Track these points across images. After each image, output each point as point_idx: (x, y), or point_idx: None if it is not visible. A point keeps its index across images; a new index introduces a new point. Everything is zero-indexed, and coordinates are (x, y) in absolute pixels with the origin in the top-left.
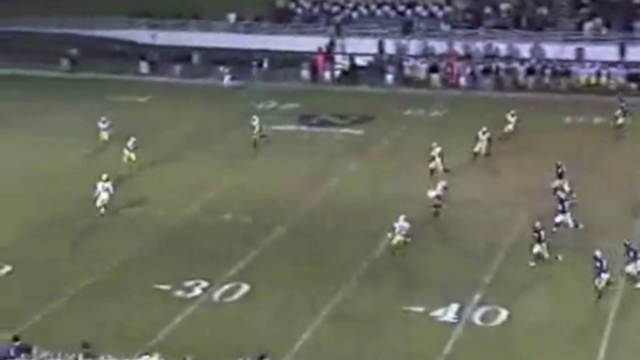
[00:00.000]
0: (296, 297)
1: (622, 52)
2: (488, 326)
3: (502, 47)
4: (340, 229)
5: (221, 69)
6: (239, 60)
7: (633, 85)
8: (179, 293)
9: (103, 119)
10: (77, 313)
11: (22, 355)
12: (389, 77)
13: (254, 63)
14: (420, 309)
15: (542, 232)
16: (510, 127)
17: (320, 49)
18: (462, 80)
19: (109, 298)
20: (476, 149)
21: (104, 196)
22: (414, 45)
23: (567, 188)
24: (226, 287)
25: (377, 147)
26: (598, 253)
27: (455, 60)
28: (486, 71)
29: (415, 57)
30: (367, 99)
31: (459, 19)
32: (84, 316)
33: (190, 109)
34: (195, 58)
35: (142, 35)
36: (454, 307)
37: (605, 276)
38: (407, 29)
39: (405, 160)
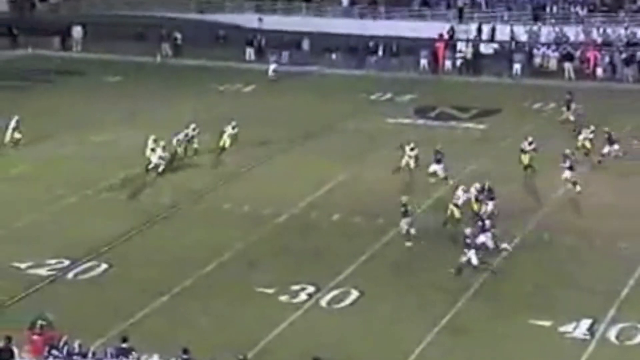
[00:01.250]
0: (410, 305)
1: None
2: (625, 345)
3: None
4: (460, 233)
5: (270, 57)
6: (352, 47)
7: None
8: (284, 298)
9: (16, 117)
10: (174, 313)
11: (121, 358)
12: (517, 67)
13: (369, 50)
14: (547, 323)
15: (409, 208)
16: None
17: (441, 35)
18: (599, 71)
19: (208, 299)
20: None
21: (152, 158)
22: (545, 32)
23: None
24: (334, 292)
25: (501, 144)
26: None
27: (592, 49)
28: (628, 61)
29: (547, 45)
30: (491, 90)
31: (596, 2)
32: (179, 317)
33: (299, 100)
34: (305, 44)
35: (249, 20)
36: (586, 322)
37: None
38: (539, 14)
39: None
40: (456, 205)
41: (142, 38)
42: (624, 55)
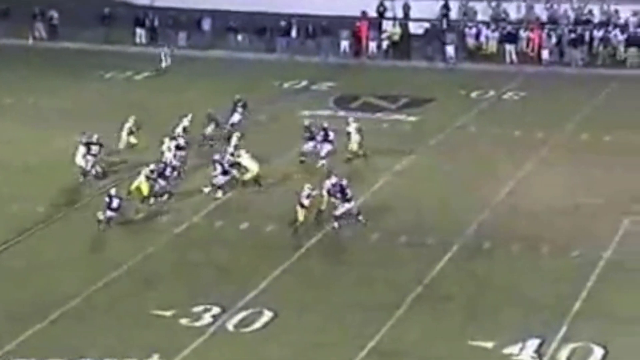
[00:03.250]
0: (332, 326)
1: None
2: None
3: (596, 11)
4: (385, 244)
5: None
6: (261, 28)
7: None
8: (184, 321)
9: (133, 118)
10: (53, 342)
11: None
12: (450, 50)
13: (280, 31)
14: (489, 345)
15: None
16: None
17: (364, 13)
18: (545, 54)
19: (95, 324)
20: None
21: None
22: (481, 8)
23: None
24: (243, 314)
25: (434, 138)
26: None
27: (536, 28)
28: (575, 41)
29: (485, 23)
30: (422, 77)
31: None
32: (60, 346)
33: (199, 90)
34: (206, 24)
35: None
36: (533, 342)
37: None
38: None
39: (473, 155)
40: (302, 205)
41: (7, 15)
42: (572, 35)
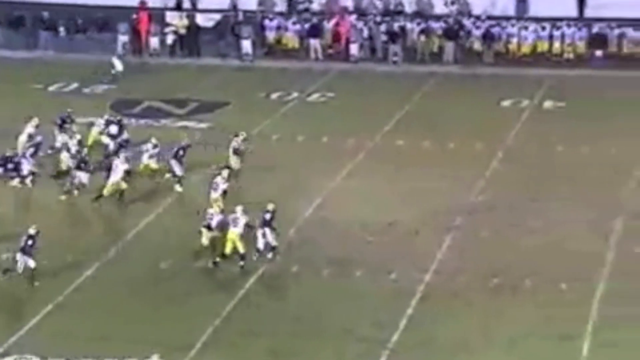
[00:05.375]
0: None
1: (581, 5)
2: None
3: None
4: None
5: None
6: (18, 18)
7: (598, 53)
8: None
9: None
10: None
11: None
12: (247, 45)
13: (43, 24)
14: None
15: None
16: None
17: (142, 2)
18: (354, 49)
19: None
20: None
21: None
22: None
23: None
24: None
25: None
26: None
27: (343, 19)
28: (392, 35)
29: (284, 15)
30: (215, 76)
31: None
32: None
33: None
34: None
35: None
36: None
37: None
38: None
39: (275, 166)
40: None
41: None
42: (383, 28)
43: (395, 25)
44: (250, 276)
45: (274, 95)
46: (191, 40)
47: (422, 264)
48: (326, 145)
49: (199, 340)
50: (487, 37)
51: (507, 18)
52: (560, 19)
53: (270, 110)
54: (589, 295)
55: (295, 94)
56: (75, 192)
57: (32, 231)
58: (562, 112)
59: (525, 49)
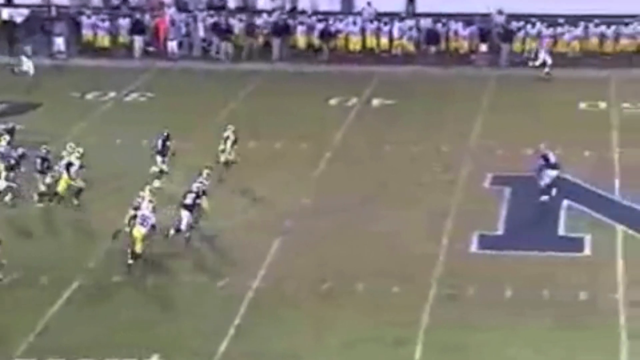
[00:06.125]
0: None
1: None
2: None
3: None
4: None
5: None
6: None
7: (484, 48)
8: None
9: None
10: None
11: None
12: (60, 42)
13: None
14: None
15: None
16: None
17: None
18: (173, 46)
19: None
20: (223, 158)
21: None
22: None
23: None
24: None
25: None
26: None
27: (162, 15)
28: (221, 31)
29: (101, 10)
30: (21, 76)
31: None
32: None
33: None
34: None
35: None
36: None
37: None
38: None
39: (98, 172)
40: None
41: None
42: (207, 24)
43: (222, 21)
44: (63, 290)
45: (90, 96)
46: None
47: (251, 271)
48: (146, 148)
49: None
50: (325, 33)
51: (334, 14)
52: (390, 15)
53: (85, 111)
54: (422, 298)
55: (112, 94)
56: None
57: None
58: (391, 109)
59: (353, 45)
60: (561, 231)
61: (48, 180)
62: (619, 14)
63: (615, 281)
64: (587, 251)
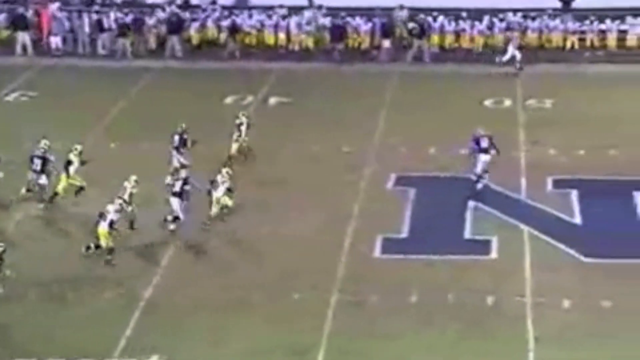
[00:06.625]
0: None
1: None
2: None
3: None
4: None
5: None
6: None
7: (387, 44)
8: None
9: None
10: None
11: None
12: None
13: None
14: None
15: None
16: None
17: None
18: (57, 41)
19: None
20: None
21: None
22: None
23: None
24: None
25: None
26: None
27: (44, 9)
28: (123, 26)
29: None
30: None
31: None
32: None
33: None
34: None
35: None
36: None
37: None
38: None
39: None
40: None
41: None
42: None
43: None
44: None
45: None
46: None
47: (145, 278)
48: (27, 152)
49: None
50: (233, 28)
51: (231, 8)
52: (289, 7)
53: None
54: (324, 304)
55: (6, 91)
56: None
57: None
58: (289, 108)
59: (250, 40)
60: (467, 234)
61: None
62: (525, 7)
63: (522, 284)
64: (493, 254)
